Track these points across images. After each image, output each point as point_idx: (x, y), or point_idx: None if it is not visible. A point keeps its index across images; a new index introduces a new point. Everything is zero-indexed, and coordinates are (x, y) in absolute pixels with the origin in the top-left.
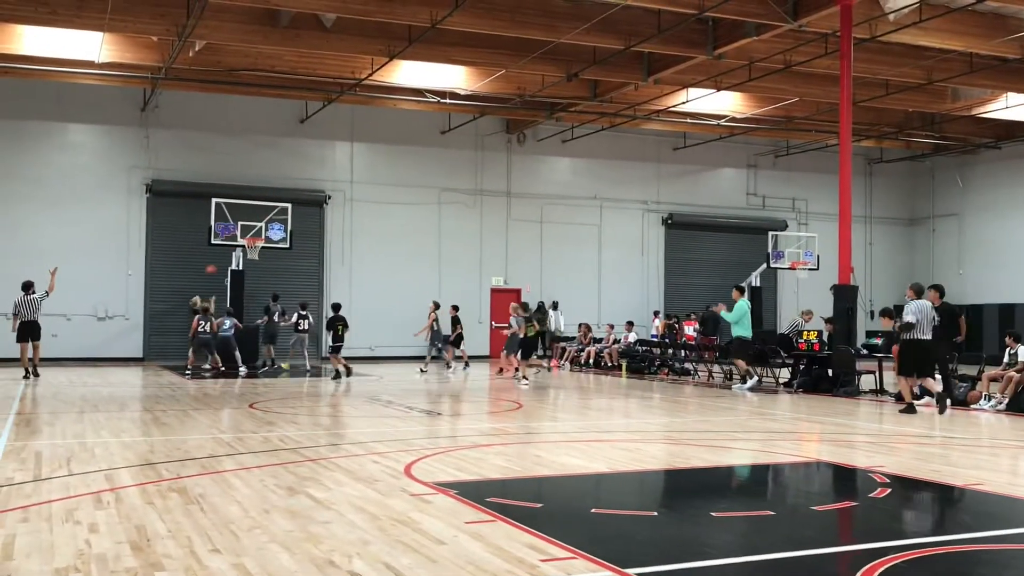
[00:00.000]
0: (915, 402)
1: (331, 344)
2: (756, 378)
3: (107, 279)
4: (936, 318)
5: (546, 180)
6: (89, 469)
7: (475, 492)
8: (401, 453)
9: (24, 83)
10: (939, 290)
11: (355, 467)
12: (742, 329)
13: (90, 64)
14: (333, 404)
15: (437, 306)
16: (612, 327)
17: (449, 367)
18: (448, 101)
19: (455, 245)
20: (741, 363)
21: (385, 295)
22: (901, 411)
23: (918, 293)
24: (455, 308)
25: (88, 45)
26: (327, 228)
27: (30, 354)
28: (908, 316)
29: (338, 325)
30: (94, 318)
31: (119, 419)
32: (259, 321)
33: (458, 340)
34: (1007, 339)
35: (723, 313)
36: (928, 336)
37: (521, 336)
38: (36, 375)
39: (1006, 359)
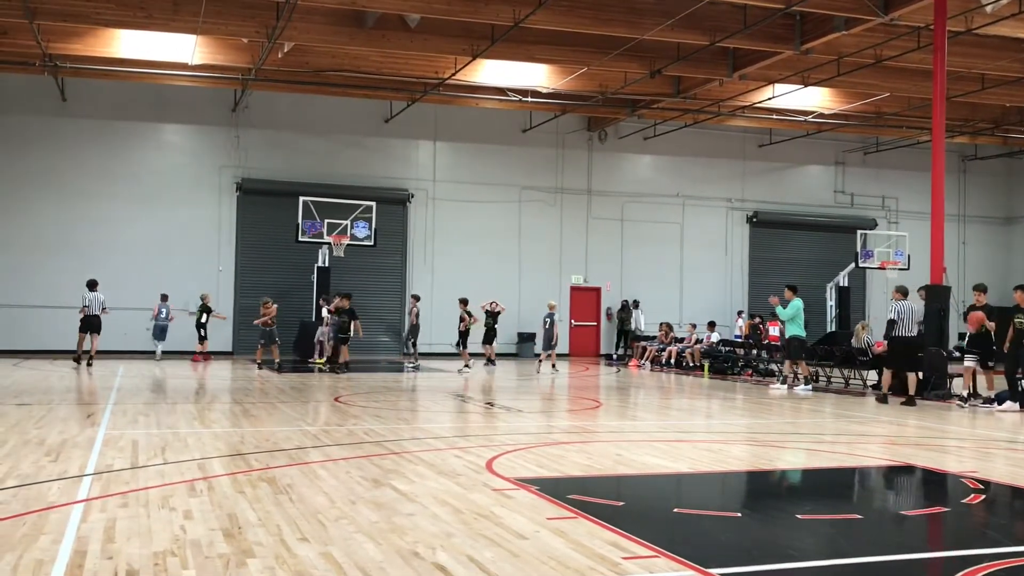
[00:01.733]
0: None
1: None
2: (810, 382)
3: (199, 275)
4: (1020, 318)
5: (627, 178)
6: (183, 458)
7: (556, 489)
8: (482, 448)
9: (122, 85)
10: (982, 290)
11: (437, 461)
12: (796, 328)
13: (184, 66)
14: (414, 399)
15: (417, 299)
16: (694, 327)
17: (468, 367)
18: (530, 99)
19: (535, 243)
20: (802, 364)
21: (466, 292)
22: (902, 403)
23: (903, 295)
24: (490, 303)
25: (182, 47)
26: (410, 226)
27: (87, 345)
28: (891, 315)
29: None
30: (186, 312)
31: (210, 410)
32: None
33: (489, 336)
34: (1017, 292)
35: (777, 309)
36: (913, 334)
37: (463, 328)
38: (90, 365)
39: None
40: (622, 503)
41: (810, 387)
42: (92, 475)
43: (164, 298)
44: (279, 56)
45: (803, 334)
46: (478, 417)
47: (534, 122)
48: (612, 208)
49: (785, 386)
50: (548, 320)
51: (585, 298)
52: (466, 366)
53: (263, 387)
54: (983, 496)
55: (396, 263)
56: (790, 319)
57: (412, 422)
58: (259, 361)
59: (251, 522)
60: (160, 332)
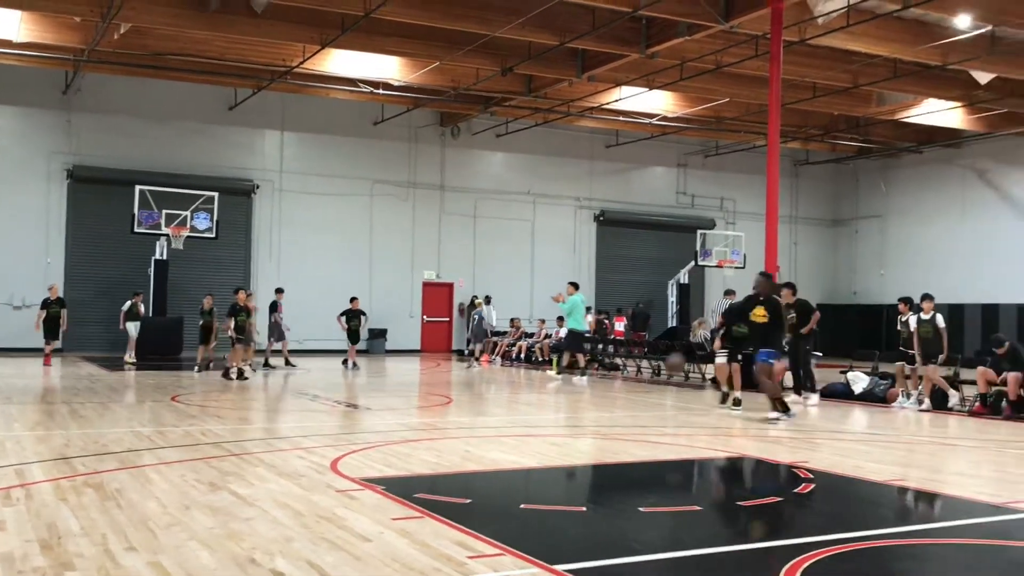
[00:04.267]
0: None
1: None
2: (587, 373)
3: (24, 267)
4: (792, 315)
5: (480, 174)
6: None
7: (403, 488)
8: (327, 448)
9: None
10: (792, 288)
11: (279, 462)
12: (574, 322)
13: (7, 43)
14: (258, 398)
15: (279, 292)
16: (544, 322)
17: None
18: (381, 92)
19: (387, 238)
20: (580, 356)
21: (314, 288)
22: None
23: (730, 295)
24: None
25: (6, 24)
26: (255, 218)
27: None
28: (714, 316)
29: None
30: (9, 307)
31: (34, 412)
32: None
33: (354, 337)
34: (899, 305)
35: (560, 304)
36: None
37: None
38: None
39: (899, 326)
40: (469, 500)
41: (586, 379)
42: None
43: None
44: (115, 37)
45: (581, 328)
46: (325, 416)
47: (386, 115)
48: (465, 204)
49: (584, 378)
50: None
51: (437, 294)
52: (354, 364)
53: (93, 386)
54: (813, 485)
55: (239, 256)
56: (568, 313)
57: (254, 422)
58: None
59: (73, 532)
60: None
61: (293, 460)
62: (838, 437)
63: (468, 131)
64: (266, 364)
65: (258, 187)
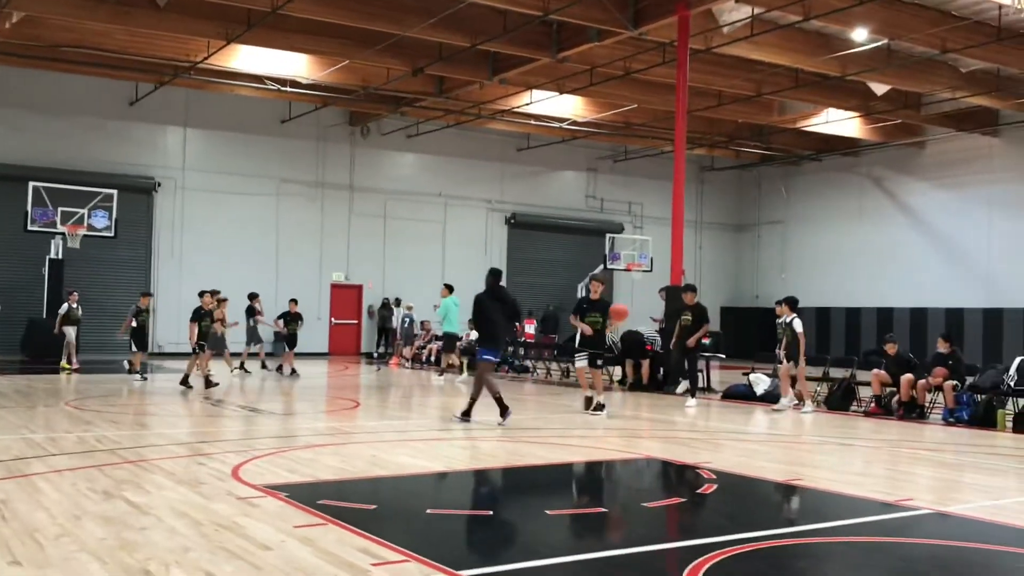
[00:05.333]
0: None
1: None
2: (465, 372)
3: None
4: (687, 317)
5: (390, 175)
6: None
7: (306, 495)
8: (229, 454)
9: None
10: (692, 290)
11: (178, 469)
12: (448, 325)
13: None
14: (157, 403)
15: (254, 297)
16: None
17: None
18: (289, 89)
19: (294, 239)
20: (453, 357)
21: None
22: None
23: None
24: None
25: None
26: (156, 217)
27: None
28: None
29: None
30: None
31: None
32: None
33: (292, 341)
34: (777, 307)
35: (437, 309)
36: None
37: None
38: None
39: (779, 330)
40: (375, 506)
41: (463, 376)
42: None
43: None
44: (7, 27)
45: (454, 330)
46: (227, 421)
47: (294, 113)
48: (375, 205)
49: (461, 376)
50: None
51: (346, 296)
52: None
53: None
54: (716, 485)
55: (140, 256)
56: (443, 317)
57: (153, 427)
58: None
59: None
60: None
61: (192, 467)
62: (740, 438)
63: (378, 131)
64: (241, 367)
65: (160, 185)
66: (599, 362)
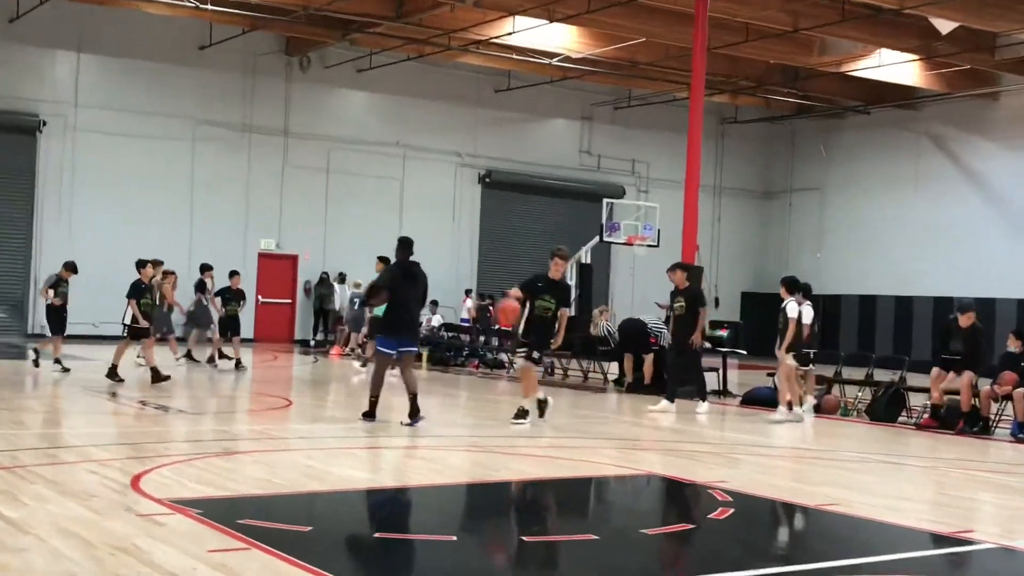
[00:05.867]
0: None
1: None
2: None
3: None
4: (680, 304)
5: (336, 119)
6: None
7: (225, 512)
8: (129, 461)
9: None
10: (684, 269)
11: (64, 478)
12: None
13: None
14: (40, 397)
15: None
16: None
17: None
18: (210, 8)
19: (213, 195)
20: (367, 343)
21: (116, 256)
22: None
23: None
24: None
25: None
26: (41, 165)
27: None
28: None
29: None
30: None
31: None
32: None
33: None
34: (783, 290)
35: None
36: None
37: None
38: None
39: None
40: (310, 528)
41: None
42: None
43: None
44: None
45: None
46: (128, 420)
47: (215, 38)
48: (315, 156)
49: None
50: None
51: (277, 268)
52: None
53: None
54: (732, 510)
55: (19, 212)
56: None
57: (31, 427)
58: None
59: None
60: None
61: (82, 475)
62: (762, 452)
63: (321, 63)
64: (217, 358)
65: (45, 123)
66: (536, 355)
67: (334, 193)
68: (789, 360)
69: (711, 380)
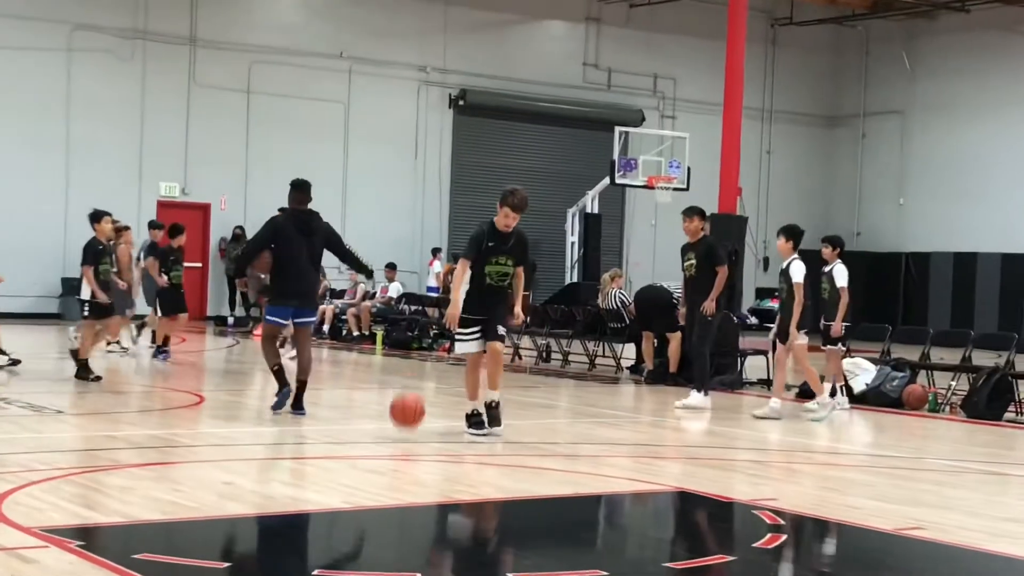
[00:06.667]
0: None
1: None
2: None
3: None
4: (691, 261)
5: (258, 22)
6: None
7: (116, 544)
8: None
9: None
10: (700, 215)
11: None
12: None
13: None
14: None
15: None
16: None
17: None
18: None
19: (96, 124)
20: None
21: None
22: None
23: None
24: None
25: None
26: None
27: None
28: None
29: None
30: None
31: None
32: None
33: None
34: (824, 249)
35: None
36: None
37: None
38: None
39: (824, 284)
40: (227, 565)
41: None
42: None
43: None
44: None
45: None
46: None
47: None
48: (232, 71)
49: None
50: None
51: (183, 220)
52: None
53: None
54: (784, 536)
55: None
56: None
57: None
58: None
59: None
60: None
61: None
62: (824, 460)
63: None
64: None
65: None
66: (501, 331)
67: (257, 121)
68: (802, 338)
69: (758, 365)
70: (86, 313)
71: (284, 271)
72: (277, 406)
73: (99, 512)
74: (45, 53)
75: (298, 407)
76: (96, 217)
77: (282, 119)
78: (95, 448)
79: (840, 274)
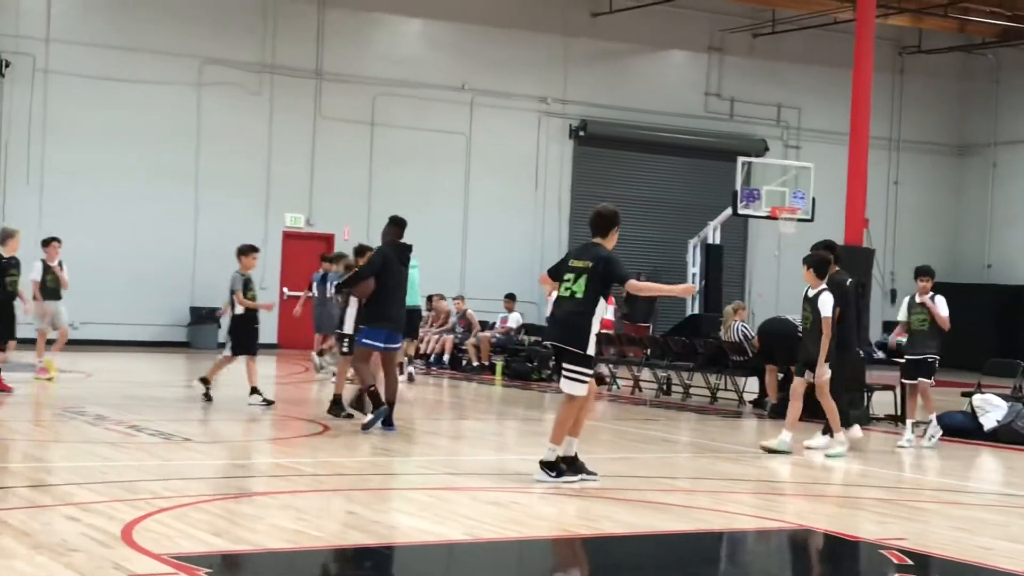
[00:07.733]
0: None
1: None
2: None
3: None
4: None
5: (382, 55)
6: None
7: (242, 571)
8: (118, 505)
9: None
10: (830, 251)
11: (36, 527)
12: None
13: None
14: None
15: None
16: (463, 300)
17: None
18: None
19: (225, 157)
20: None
21: (101, 236)
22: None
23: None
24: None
25: None
26: (5, 115)
27: None
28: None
29: None
30: None
31: None
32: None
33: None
34: (918, 281)
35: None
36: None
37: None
38: None
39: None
40: None
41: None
42: None
43: None
44: None
45: (414, 303)
46: (113, 451)
47: None
48: (356, 104)
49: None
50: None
51: (307, 251)
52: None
53: None
54: None
55: None
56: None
57: None
58: None
59: None
60: None
61: (59, 523)
62: (956, 500)
63: None
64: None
65: (8, 64)
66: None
67: (381, 151)
68: (821, 369)
69: (885, 400)
70: (345, 349)
71: (386, 297)
72: (370, 424)
73: (226, 539)
74: (176, 87)
75: (388, 424)
76: (243, 252)
77: (404, 151)
78: (222, 476)
79: (825, 302)
